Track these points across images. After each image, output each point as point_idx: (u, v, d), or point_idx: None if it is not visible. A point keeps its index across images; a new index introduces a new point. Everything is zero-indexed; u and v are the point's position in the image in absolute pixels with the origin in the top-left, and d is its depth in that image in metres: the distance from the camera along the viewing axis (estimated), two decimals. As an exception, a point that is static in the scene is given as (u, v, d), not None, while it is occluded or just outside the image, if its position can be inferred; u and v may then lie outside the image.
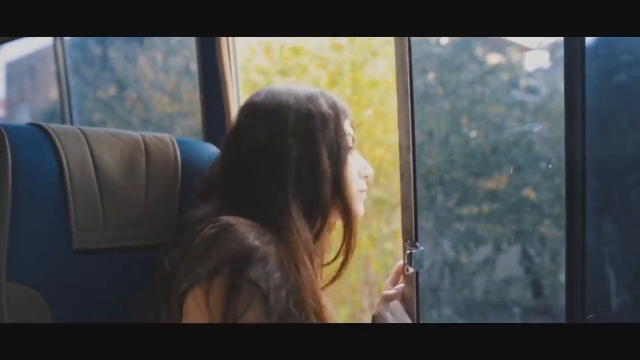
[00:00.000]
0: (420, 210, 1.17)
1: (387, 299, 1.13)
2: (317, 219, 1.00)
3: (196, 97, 1.54)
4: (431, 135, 2.76)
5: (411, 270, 1.12)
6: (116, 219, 1.03)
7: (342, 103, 1.04)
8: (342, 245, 1.06)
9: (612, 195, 1.27)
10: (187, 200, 1.04)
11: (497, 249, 2.75)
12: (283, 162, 0.95)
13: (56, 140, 1.01)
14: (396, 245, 2.84)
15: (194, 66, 1.90)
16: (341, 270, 1.08)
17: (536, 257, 2.76)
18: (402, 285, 1.13)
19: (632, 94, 1.27)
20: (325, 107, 0.99)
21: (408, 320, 1.11)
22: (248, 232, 0.87)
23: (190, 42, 1.49)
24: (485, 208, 2.71)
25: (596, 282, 1.18)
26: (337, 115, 1.01)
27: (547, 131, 2.55)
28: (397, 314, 1.11)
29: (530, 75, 2.77)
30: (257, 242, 0.87)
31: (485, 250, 2.74)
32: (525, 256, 2.77)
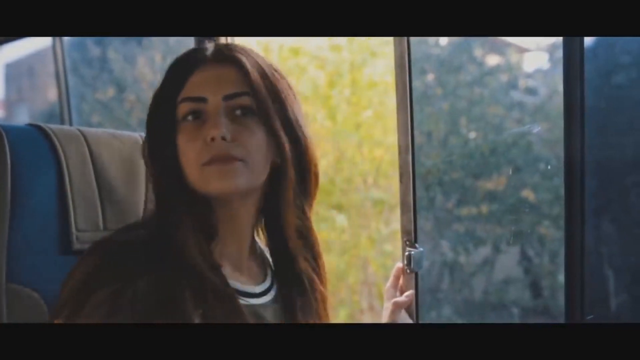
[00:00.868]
0: (420, 211, 1.17)
1: (399, 306, 1.08)
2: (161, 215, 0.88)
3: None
4: (430, 136, 2.76)
5: (410, 271, 1.12)
6: (115, 219, 1.03)
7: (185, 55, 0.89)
8: None
9: (610, 195, 1.28)
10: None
11: (496, 249, 2.75)
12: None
13: (55, 140, 1.01)
14: (395, 246, 2.84)
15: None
16: None
17: (535, 257, 2.77)
18: (412, 291, 1.09)
19: (630, 95, 1.27)
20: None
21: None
22: (104, 261, 0.80)
23: (189, 42, 1.49)
24: (484, 209, 2.71)
25: (595, 283, 1.18)
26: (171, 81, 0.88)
27: (546, 132, 2.56)
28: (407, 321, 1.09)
29: (529, 76, 2.78)
30: (101, 279, 0.77)
31: (484, 251, 2.75)
32: (524, 257, 2.77)
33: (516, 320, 2.66)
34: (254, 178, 0.86)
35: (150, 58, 3.53)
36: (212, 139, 0.83)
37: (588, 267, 1.07)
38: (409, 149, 1.13)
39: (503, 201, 2.61)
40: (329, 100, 2.94)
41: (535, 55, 2.75)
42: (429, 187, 2.66)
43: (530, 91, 2.75)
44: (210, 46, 0.89)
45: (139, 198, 1.06)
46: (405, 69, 1.11)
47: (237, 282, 0.89)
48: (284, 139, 0.87)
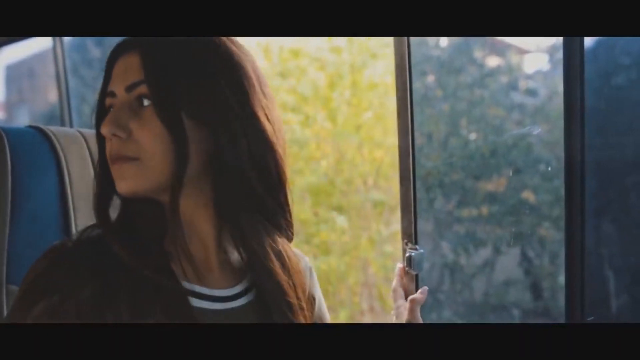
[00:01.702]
0: (420, 212, 1.17)
1: (418, 303, 1.03)
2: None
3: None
4: (430, 137, 2.76)
5: (411, 272, 1.12)
6: (116, 221, 1.03)
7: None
8: None
9: (611, 196, 1.28)
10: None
11: (497, 251, 2.75)
12: None
13: (55, 142, 1.01)
14: (395, 247, 2.84)
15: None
16: None
17: (535, 259, 2.76)
18: (426, 287, 1.07)
19: (630, 95, 1.27)
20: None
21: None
22: (54, 264, 0.76)
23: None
24: (485, 210, 2.70)
25: (595, 284, 1.18)
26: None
27: (546, 133, 2.55)
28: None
29: (529, 77, 2.77)
30: (46, 285, 0.74)
31: (484, 252, 2.74)
32: (524, 258, 2.77)
33: (516, 322, 2.66)
34: (152, 175, 0.78)
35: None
36: (110, 137, 0.78)
37: (588, 268, 1.07)
38: (409, 151, 1.13)
39: (503, 202, 2.61)
40: (330, 102, 2.95)
41: (536, 57, 2.75)
42: (429, 188, 2.66)
43: (531, 92, 2.75)
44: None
45: (140, 199, 1.06)
46: (405, 70, 1.11)
47: (201, 284, 0.82)
48: (199, 128, 0.78)
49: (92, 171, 1.03)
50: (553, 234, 2.60)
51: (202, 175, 0.81)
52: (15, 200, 0.95)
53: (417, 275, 1.13)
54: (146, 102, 0.78)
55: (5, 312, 0.93)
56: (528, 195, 2.64)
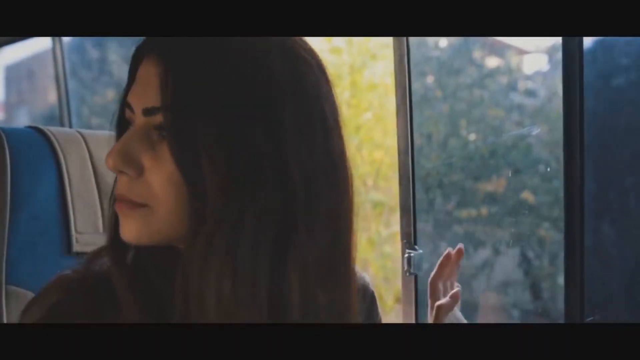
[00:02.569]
0: (419, 213, 1.17)
1: (444, 311, 0.92)
2: None
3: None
4: (430, 138, 2.76)
5: (410, 272, 1.12)
6: (115, 221, 1.03)
7: None
8: None
9: (610, 197, 1.27)
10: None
11: (496, 251, 2.75)
12: None
13: (55, 143, 1.01)
14: (395, 248, 2.84)
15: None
16: None
17: (535, 259, 2.76)
18: (458, 289, 0.96)
19: (630, 97, 1.27)
20: None
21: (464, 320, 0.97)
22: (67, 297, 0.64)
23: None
24: (484, 211, 2.71)
25: (594, 284, 1.18)
26: None
27: (545, 134, 2.55)
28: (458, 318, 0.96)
29: (528, 78, 2.77)
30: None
31: (483, 253, 2.74)
32: (523, 259, 2.77)
33: (516, 322, 2.66)
34: (162, 227, 0.62)
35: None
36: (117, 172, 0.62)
37: (587, 269, 1.08)
38: (409, 151, 1.13)
39: (503, 203, 2.60)
40: (329, 103, 2.94)
41: (535, 58, 2.75)
42: (428, 189, 2.66)
43: (530, 93, 2.75)
44: None
45: (139, 200, 1.06)
46: (404, 71, 1.11)
47: None
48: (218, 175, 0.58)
49: (91, 171, 1.03)
50: (552, 234, 2.60)
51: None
52: (14, 200, 0.95)
53: (416, 276, 1.13)
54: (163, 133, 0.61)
55: (4, 313, 0.93)
56: (527, 196, 2.64)
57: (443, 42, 2.78)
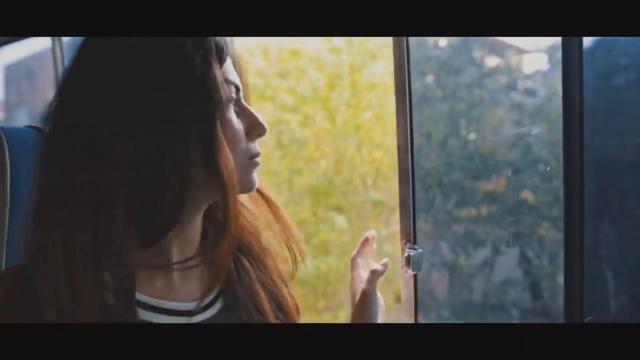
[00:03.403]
0: (419, 212, 1.17)
1: (378, 274, 1.00)
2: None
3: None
4: (430, 137, 2.76)
5: (410, 272, 1.12)
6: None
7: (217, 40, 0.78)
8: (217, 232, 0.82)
9: (610, 197, 1.28)
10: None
11: (496, 251, 2.76)
12: None
13: (55, 142, 1.01)
14: (395, 247, 2.84)
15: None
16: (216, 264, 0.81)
17: (534, 259, 2.76)
18: (387, 259, 1.03)
19: (629, 96, 1.27)
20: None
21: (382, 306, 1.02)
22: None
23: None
24: (484, 210, 2.71)
25: (594, 284, 1.18)
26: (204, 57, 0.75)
27: (545, 133, 2.56)
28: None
29: (528, 77, 2.78)
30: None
31: (483, 252, 2.75)
32: (523, 258, 2.77)
33: (515, 322, 2.66)
34: None
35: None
36: None
37: (587, 268, 1.08)
38: (409, 151, 1.13)
39: (502, 203, 2.61)
40: (329, 102, 2.95)
41: (535, 57, 2.75)
42: (428, 188, 2.66)
43: (530, 93, 2.75)
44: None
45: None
46: (404, 71, 1.11)
47: (163, 298, 0.78)
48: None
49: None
50: (552, 234, 2.61)
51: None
52: (14, 199, 0.95)
53: (416, 275, 1.13)
54: None
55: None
56: (527, 195, 2.65)
57: (443, 41, 2.78)
